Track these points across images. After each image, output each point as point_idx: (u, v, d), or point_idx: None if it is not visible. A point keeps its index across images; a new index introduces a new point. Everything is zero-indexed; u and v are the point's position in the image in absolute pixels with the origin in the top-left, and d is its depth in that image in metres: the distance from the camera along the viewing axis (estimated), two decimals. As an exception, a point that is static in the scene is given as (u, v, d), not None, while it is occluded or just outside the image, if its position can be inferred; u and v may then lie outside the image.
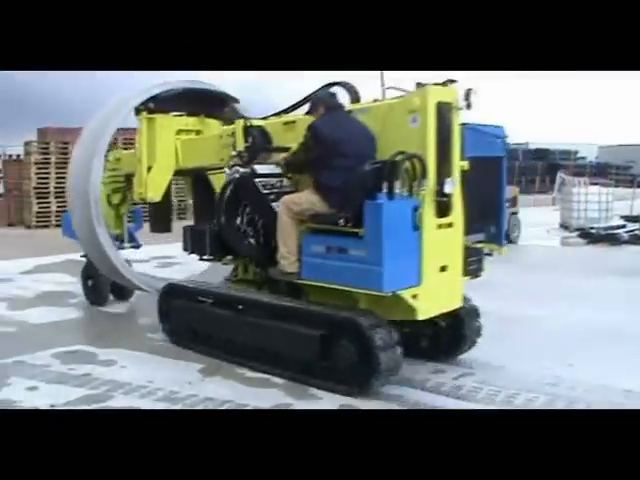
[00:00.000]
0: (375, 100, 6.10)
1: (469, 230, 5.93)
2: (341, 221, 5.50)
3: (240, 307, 6.27)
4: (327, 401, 5.34)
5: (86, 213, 7.75)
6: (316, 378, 5.63)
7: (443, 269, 5.58)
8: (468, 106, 5.54)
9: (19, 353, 6.75)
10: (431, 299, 5.49)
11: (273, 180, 6.30)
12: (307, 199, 5.80)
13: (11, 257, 12.81)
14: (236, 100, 8.10)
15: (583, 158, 46.98)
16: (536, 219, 19.11)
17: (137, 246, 8.97)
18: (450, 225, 5.62)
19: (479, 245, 6.24)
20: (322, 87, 6.47)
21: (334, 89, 6.40)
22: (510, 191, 13.33)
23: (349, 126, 5.78)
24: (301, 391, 5.59)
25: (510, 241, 13.96)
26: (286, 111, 6.80)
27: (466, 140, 5.78)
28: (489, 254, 6.49)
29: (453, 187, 5.52)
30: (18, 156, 21.46)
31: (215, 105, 8.08)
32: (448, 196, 5.47)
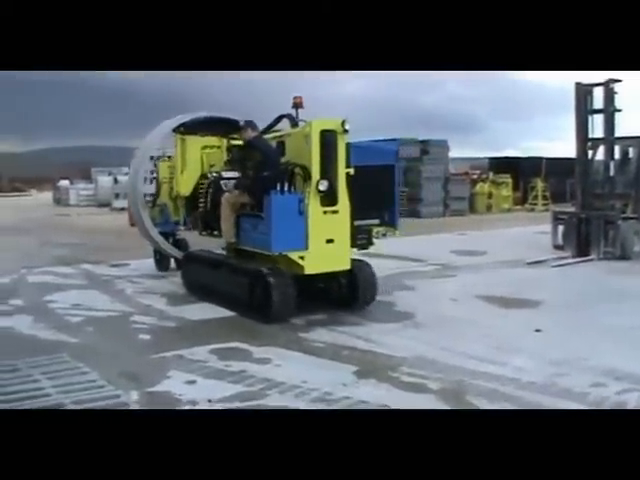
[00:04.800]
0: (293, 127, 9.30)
1: (365, 216, 8.82)
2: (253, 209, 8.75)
3: (214, 266, 9.80)
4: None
5: (135, 205, 12.15)
6: (247, 311, 8.63)
7: (330, 241, 8.31)
8: (345, 131, 8.23)
9: (179, 348, 6.93)
10: (317, 261, 8.25)
11: (232, 181, 9.52)
12: (236, 196, 9.08)
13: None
14: (251, 122, 9.76)
15: None
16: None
17: (190, 228, 11.50)
18: (335, 212, 8.34)
19: (377, 228, 9.25)
20: (277, 118, 9.70)
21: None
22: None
23: (266, 145, 9.04)
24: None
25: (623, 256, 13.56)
26: (264, 132, 9.60)
27: (357, 154, 8.61)
28: (384, 234, 9.70)
29: (326, 186, 8.16)
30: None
31: (229, 127, 10.67)
32: (323, 192, 8.18)
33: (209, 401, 5.39)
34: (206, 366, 6.42)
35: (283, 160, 8.80)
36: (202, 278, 10.14)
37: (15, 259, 14.54)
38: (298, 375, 6.05)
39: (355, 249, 8.76)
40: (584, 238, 13.90)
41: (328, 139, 8.20)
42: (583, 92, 14.45)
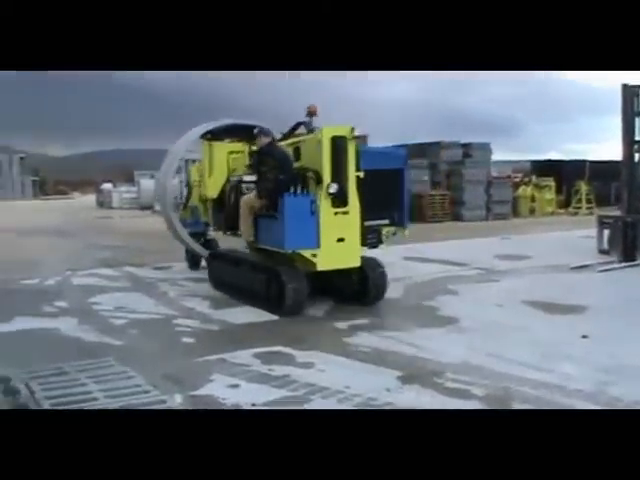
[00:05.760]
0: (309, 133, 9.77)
1: (375, 216, 9.41)
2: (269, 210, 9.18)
3: (235, 264, 10.54)
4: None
5: (164, 208, 13.13)
6: (262, 304, 9.27)
7: (341, 240, 8.83)
8: (354, 138, 8.80)
9: (222, 351, 6.95)
10: (328, 258, 8.78)
11: (252, 185, 9.79)
12: (253, 198, 9.55)
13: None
14: (264, 129, 10.30)
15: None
16: None
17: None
18: (346, 213, 8.84)
19: (386, 228, 9.68)
20: (294, 125, 10.34)
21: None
22: None
23: (279, 151, 9.49)
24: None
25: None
26: (283, 138, 10.30)
27: (368, 158, 9.13)
28: (394, 234, 9.88)
29: (336, 189, 8.64)
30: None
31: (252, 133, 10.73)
32: (334, 194, 8.66)
33: (252, 405, 5.37)
34: (249, 370, 6.40)
35: (298, 164, 9.32)
36: (225, 275, 10.92)
37: (60, 261, 14.80)
38: (342, 380, 5.99)
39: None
40: (630, 242, 13.63)
41: (338, 145, 8.68)
42: (630, 94, 14.21)
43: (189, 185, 13.18)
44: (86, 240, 20.19)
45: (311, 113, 10.01)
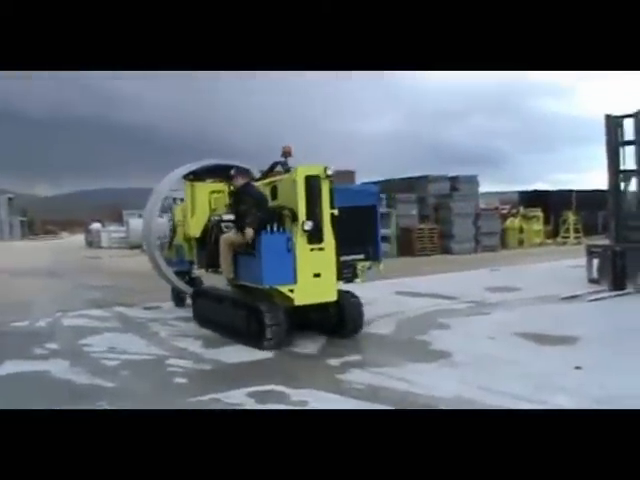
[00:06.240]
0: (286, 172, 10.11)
1: (350, 252, 9.79)
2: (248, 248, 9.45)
3: (218, 300, 10.83)
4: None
5: (149, 247, 13.41)
6: (244, 339, 9.50)
7: (317, 275, 9.08)
8: (328, 177, 9.09)
9: (215, 391, 6.92)
10: (305, 293, 9.02)
11: (231, 223, 10.05)
12: (233, 236, 9.80)
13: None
14: (247, 170, 11.24)
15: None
16: None
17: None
18: (322, 249, 9.14)
19: (362, 263, 10.03)
20: (271, 165, 10.70)
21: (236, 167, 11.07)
22: None
23: (255, 191, 9.97)
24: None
25: None
26: (261, 178, 10.83)
27: (341, 196, 9.47)
28: (369, 268, 10.22)
29: (311, 226, 8.95)
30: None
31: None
32: (309, 231, 8.95)
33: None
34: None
35: (275, 203, 9.74)
36: (208, 312, 11.25)
37: (50, 302, 14.72)
38: (336, 418, 5.96)
39: (341, 282, 9.78)
40: (620, 271, 13.71)
41: (312, 184, 9.05)
42: (614, 124, 14.41)
43: (174, 224, 13.40)
44: (76, 280, 20.12)
45: (286, 153, 10.47)
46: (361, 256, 10.07)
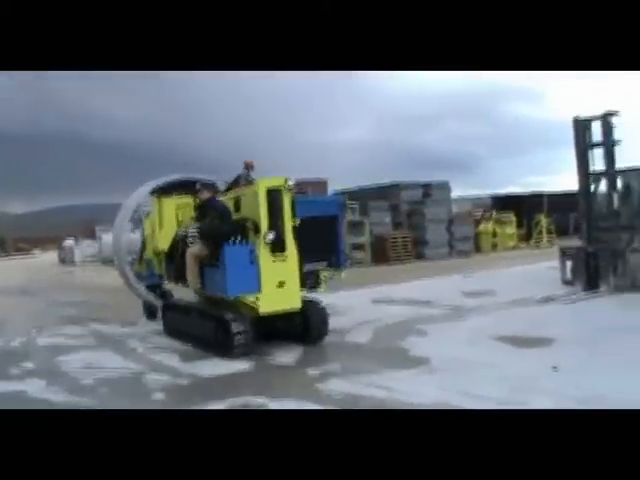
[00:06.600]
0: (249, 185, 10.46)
1: (313, 260, 10.12)
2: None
3: (186, 312, 11.08)
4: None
5: (120, 262, 13.49)
6: (212, 349, 9.68)
7: (281, 284, 9.33)
8: (288, 188, 9.38)
9: (193, 404, 6.92)
10: (270, 302, 9.27)
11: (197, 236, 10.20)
12: (198, 249, 10.04)
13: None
14: (212, 184, 11.60)
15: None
16: None
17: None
18: (284, 259, 9.40)
19: (324, 271, 10.44)
20: (235, 178, 11.34)
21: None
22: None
23: (219, 204, 10.22)
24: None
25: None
26: (225, 191, 11.25)
27: (304, 207, 9.79)
28: (332, 277, 10.61)
29: (272, 237, 9.24)
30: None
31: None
32: (271, 242, 9.23)
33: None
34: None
35: (239, 215, 9.99)
36: (177, 324, 11.49)
37: (24, 321, 14.57)
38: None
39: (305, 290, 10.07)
40: (593, 272, 13.86)
41: (274, 196, 9.36)
42: (581, 127, 14.57)
43: (143, 239, 13.45)
44: (50, 298, 19.95)
45: (248, 166, 11.22)
46: (323, 264, 10.44)
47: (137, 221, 16.21)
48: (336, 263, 10.61)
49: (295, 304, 9.54)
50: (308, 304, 9.88)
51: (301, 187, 23.22)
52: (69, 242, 48.75)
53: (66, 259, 45.84)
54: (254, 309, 9.27)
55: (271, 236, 9.23)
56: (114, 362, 9.61)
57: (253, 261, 9.21)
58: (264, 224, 9.28)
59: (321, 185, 29.33)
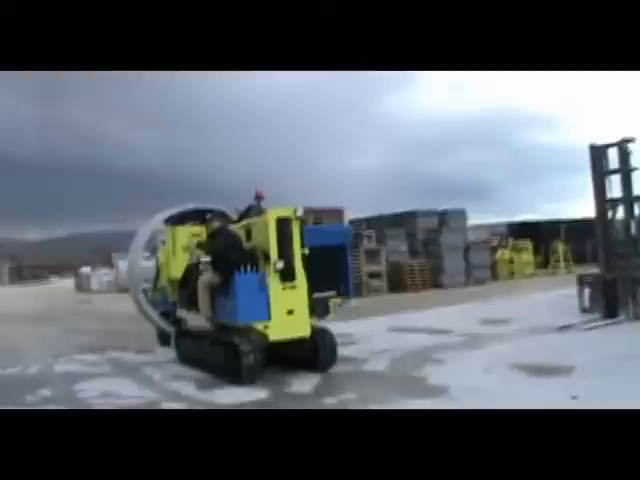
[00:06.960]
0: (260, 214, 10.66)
1: (322, 289, 10.15)
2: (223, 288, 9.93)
3: (198, 339, 11.28)
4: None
5: (134, 289, 13.43)
6: (223, 374, 9.81)
7: (290, 312, 9.53)
8: (297, 218, 9.61)
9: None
10: (279, 329, 9.45)
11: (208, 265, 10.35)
12: (209, 277, 10.25)
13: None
14: (222, 213, 12.10)
15: None
16: None
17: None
18: (294, 287, 9.59)
19: (333, 299, 10.38)
20: (246, 208, 11.88)
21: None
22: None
23: (229, 233, 10.53)
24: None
25: None
26: (238, 220, 11.50)
27: (313, 236, 10.02)
28: (341, 304, 10.58)
29: (282, 266, 9.44)
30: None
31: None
32: (280, 270, 9.44)
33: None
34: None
35: (250, 244, 10.21)
36: (189, 350, 11.72)
37: (41, 348, 14.61)
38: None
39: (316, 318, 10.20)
40: (611, 299, 13.76)
41: (283, 225, 9.60)
42: (598, 153, 14.51)
43: (157, 267, 13.63)
44: (66, 325, 20.02)
45: (258, 196, 11.74)
46: (332, 292, 10.49)
47: (153, 249, 16.28)
48: (345, 291, 10.74)
49: (304, 332, 9.70)
50: (317, 331, 9.98)
51: (317, 216, 23.35)
52: (86, 269, 49.06)
53: (83, 286, 46.10)
54: (263, 336, 9.41)
55: (280, 265, 9.45)
56: (130, 390, 9.58)
57: (263, 288, 9.44)
58: (274, 253, 9.51)
59: (337, 214, 29.31)
